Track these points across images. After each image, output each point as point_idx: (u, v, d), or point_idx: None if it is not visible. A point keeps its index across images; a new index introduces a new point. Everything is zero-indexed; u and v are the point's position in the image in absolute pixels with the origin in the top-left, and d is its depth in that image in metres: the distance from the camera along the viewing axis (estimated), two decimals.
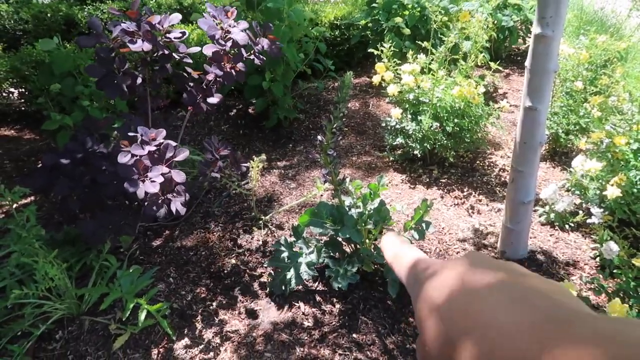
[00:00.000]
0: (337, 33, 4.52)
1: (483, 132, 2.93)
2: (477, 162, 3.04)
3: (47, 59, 3.57)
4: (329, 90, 4.19)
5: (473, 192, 2.72)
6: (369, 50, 4.32)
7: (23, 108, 4.21)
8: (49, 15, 5.92)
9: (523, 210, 2.12)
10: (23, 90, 4.10)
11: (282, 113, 3.40)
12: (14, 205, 2.05)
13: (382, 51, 2.95)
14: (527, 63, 1.97)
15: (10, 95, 4.44)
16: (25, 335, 1.89)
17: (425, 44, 3.04)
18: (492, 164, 3.01)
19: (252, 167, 2.40)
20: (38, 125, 3.87)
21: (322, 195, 2.71)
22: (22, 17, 5.99)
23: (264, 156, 2.42)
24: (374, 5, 4.21)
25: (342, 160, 3.12)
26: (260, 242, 2.39)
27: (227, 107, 3.82)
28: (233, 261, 2.27)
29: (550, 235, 2.39)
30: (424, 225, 2.11)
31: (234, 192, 2.73)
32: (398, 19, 3.91)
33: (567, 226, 2.43)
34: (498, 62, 2.99)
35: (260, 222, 2.51)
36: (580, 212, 2.43)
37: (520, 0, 4.52)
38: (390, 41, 3.07)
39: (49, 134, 3.28)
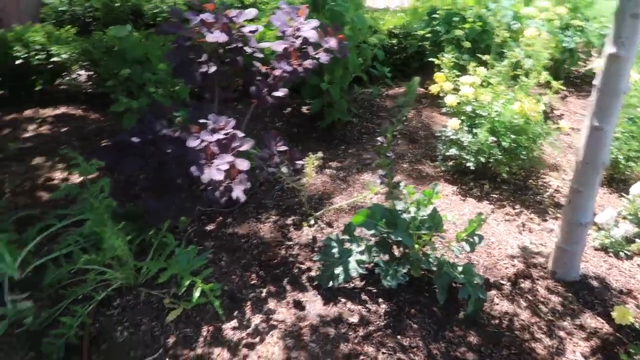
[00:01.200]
0: (394, 41, 4.56)
1: (539, 151, 2.90)
2: (530, 180, 3.01)
3: (117, 45, 3.74)
4: (383, 97, 4.22)
5: (525, 210, 2.70)
6: (425, 61, 4.35)
7: (90, 90, 4.43)
8: (117, 4, 6.17)
9: (579, 231, 2.09)
10: (92, 73, 4.32)
11: (337, 115, 3.46)
12: (88, 177, 2.18)
13: (442, 61, 2.97)
14: (597, 82, 1.95)
15: (79, 77, 4.69)
16: (85, 299, 2.00)
17: (486, 57, 3.03)
18: (545, 184, 2.97)
19: (308, 164, 2.47)
20: (103, 107, 4.07)
21: (371, 198, 2.74)
22: (93, 5, 6.27)
23: (320, 154, 2.48)
24: (434, 16, 4.22)
25: (393, 165, 3.14)
26: (310, 238, 2.44)
27: (281, 105, 3.91)
28: (283, 252, 2.33)
29: (604, 261, 2.34)
30: (476, 238, 2.11)
31: (286, 186, 2.80)
32: (458, 32, 3.92)
33: (621, 254, 2.37)
34: (560, 83, 2.95)
35: (311, 218, 2.56)
36: (638, 240, 2.37)
37: (583, 22, 4.44)
38: (452, 52, 3.08)
39: (114, 116, 3.45)
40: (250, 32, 2.13)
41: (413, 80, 1.89)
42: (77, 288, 2.02)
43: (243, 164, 1.89)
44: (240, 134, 1.96)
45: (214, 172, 1.81)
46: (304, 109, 3.87)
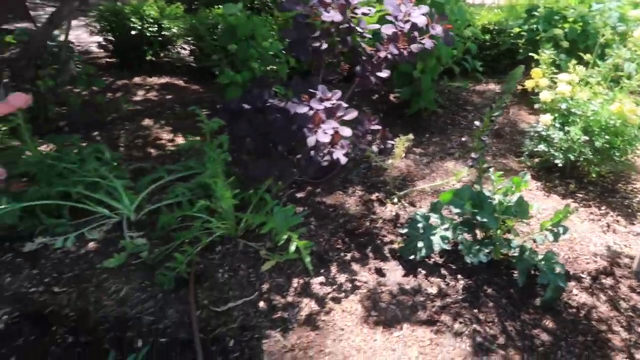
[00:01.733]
0: (487, 37, 4.54)
1: (634, 155, 2.84)
2: (620, 184, 2.95)
3: (221, 22, 4.03)
4: (470, 92, 4.24)
5: (611, 212, 2.67)
6: (517, 59, 4.31)
7: (192, 64, 4.79)
8: None
9: None
10: (194, 48, 4.67)
11: (424, 104, 3.54)
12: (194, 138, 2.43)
13: (541, 57, 2.97)
14: None
15: (182, 51, 5.07)
16: (191, 243, 2.25)
17: (587, 56, 3.00)
18: (636, 190, 2.91)
19: (398, 145, 2.60)
20: (203, 80, 4.41)
21: (454, 185, 2.82)
22: None
23: (411, 135, 2.60)
24: (533, 14, 4.16)
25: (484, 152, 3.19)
26: (394, 214, 2.57)
27: (370, 91, 4.04)
28: (367, 224, 2.49)
29: None
30: (560, 229, 2.15)
31: (373, 164, 2.93)
32: (557, 31, 3.85)
33: None
34: None
35: (394, 196, 2.69)
36: None
37: None
38: (552, 48, 3.06)
39: (215, 87, 3.74)
40: (363, 13, 2.29)
41: (518, 67, 1.95)
42: (184, 232, 2.28)
43: (346, 131, 2.05)
44: (345, 105, 2.13)
45: (321, 135, 1.99)
46: (392, 97, 3.98)
